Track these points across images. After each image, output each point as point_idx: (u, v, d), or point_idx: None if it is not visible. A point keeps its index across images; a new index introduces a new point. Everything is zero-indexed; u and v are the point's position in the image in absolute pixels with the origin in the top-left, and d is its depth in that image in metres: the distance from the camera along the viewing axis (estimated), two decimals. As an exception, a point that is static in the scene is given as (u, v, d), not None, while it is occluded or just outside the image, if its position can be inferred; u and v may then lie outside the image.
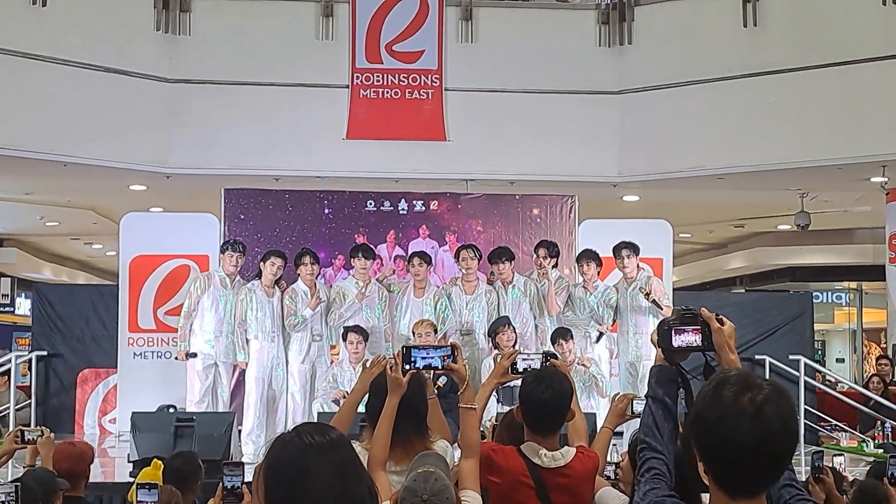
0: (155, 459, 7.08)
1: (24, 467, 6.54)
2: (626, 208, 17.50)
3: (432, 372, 5.25)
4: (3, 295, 24.28)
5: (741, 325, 15.13)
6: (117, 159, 14.81)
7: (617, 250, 12.51)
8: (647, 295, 12.16)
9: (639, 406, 5.46)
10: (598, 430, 5.67)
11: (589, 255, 12.65)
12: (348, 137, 15.14)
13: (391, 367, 4.94)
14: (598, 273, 12.73)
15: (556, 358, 5.45)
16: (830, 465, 6.94)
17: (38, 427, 6.97)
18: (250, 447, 11.89)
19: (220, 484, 5.11)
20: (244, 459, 10.76)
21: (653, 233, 14.32)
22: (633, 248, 12.48)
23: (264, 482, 2.83)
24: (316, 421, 3.83)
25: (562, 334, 11.90)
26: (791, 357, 15.10)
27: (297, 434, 2.85)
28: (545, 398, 4.94)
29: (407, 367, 4.92)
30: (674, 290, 14.94)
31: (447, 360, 4.93)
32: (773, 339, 15.60)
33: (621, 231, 13.46)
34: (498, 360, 5.49)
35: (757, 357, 15.34)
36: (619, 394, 5.90)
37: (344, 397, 11.50)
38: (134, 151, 14.86)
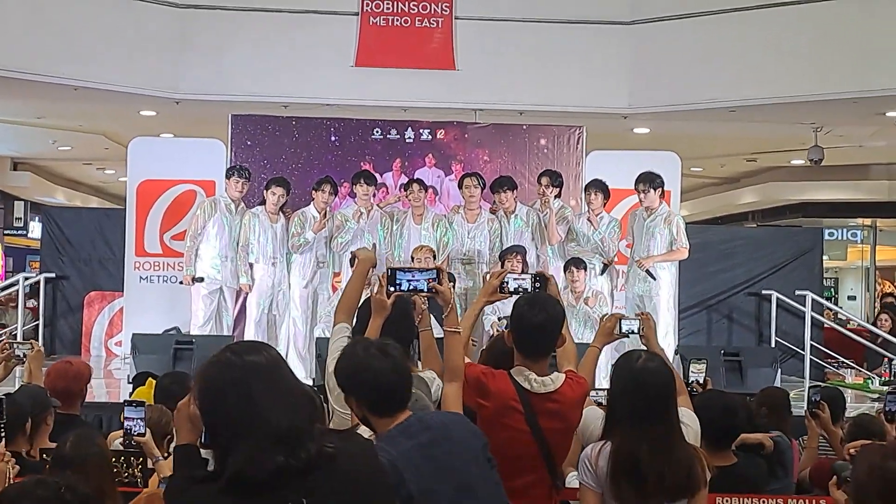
0: (150, 378, 7.08)
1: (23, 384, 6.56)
2: (637, 141, 17.40)
3: (426, 302, 5.22)
4: (16, 218, 24.35)
5: (750, 259, 15.37)
6: (127, 84, 14.79)
7: (637, 182, 12.27)
8: (639, 263, 12.10)
9: (627, 325, 5.46)
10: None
11: (596, 185, 12.52)
12: (357, 65, 15.07)
13: (376, 291, 4.97)
14: (605, 204, 12.61)
15: (547, 278, 5.37)
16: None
17: (28, 341, 6.94)
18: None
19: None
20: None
21: (661, 165, 14.05)
22: (650, 182, 12.21)
23: (203, 406, 2.78)
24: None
25: (574, 263, 11.88)
26: (798, 292, 15.01)
27: (235, 354, 2.80)
28: (538, 321, 4.90)
29: (392, 288, 4.95)
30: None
31: (433, 283, 4.94)
32: (781, 273, 15.55)
33: (629, 163, 13.37)
34: (487, 278, 5.42)
35: (764, 292, 15.31)
36: (607, 314, 5.87)
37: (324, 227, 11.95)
38: (143, 76, 14.82)
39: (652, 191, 12.17)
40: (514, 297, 5.16)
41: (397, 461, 3.77)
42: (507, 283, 5.26)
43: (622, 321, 5.49)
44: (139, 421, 5.38)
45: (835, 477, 4.58)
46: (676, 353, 11.62)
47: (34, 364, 6.60)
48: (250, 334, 12.27)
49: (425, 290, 4.95)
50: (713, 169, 23.25)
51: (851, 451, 5.08)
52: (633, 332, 5.48)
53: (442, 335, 5.06)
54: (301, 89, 14.99)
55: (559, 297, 5.39)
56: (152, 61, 14.79)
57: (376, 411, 4.01)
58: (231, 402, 2.74)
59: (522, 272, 11.37)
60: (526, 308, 4.95)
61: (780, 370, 12.30)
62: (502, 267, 11.41)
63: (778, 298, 15.09)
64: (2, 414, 4.90)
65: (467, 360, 5.04)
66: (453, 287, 5.04)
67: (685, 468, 4.25)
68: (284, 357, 3.01)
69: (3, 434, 4.83)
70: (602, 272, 12.45)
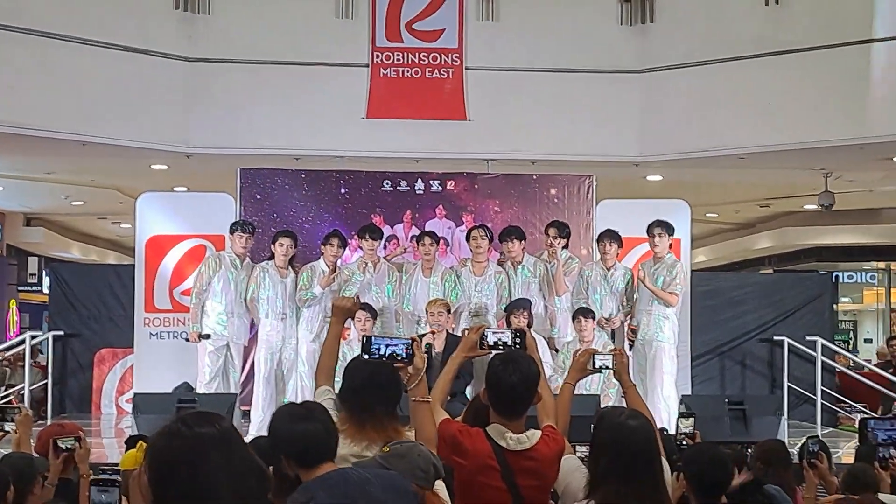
0: (140, 441, 7.02)
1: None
2: (650, 188, 17.37)
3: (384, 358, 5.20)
4: (30, 274, 24.40)
5: (761, 305, 15.30)
6: (136, 138, 14.82)
7: (650, 228, 12.34)
8: (643, 280, 12.10)
9: (600, 360, 5.48)
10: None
11: (610, 235, 12.55)
12: (368, 117, 15.08)
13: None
14: (618, 254, 12.63)
15: (525, 335, 5.40)
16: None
17: (17, 405, 6.84)
18: (256, 429, 11.86)
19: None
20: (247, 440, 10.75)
21: (671, 213, 14.12)
22: (666, 228, 12.31)
23: (152, 478, 2.74)
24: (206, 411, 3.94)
25: (582, 313, 11.85)
26: (809, 338, 14.95)
27: (186, 425, 2.76)
28: (511, 382, 4.90)
29: (366, 356, 5.00)
30: (692, 270, 14.82)
31: (408, 352, 5.00)
32: (792, 319, 15.50)
33: (640, 211, 13.40)
34: (466, 333, 5.43)
35: (776, 338, 15.23)
36: (579, 349, 5.87)
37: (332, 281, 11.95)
38: (153, 131, 14.86)
39: (667, 236, 12.25)
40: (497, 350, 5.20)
41: None
42: (486, 337, 5.32)
43: (595, 356, 5.50)
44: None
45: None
46: (681, 402, 11.58)
47: (22, 429, 6.49)
48: (260, 391, 12.25)
49: (404, 356, 4.97)
50: (728, 215, 23.23)
51: (828, 505, 5.05)
52: (606, 368, 5.50)
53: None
54: (312, 142, 15.01)
55: (536, 351, 5.42)
56: (162, 115, 14.83)
57: (300, 463, 4.20)
58: (178, 477, 2.69)
59: (510, 327, 11.42)
60: (500, 368, 4.94)
61: (785, 418, 12.26)
62: (508, 322, 11.41)
63: (789, 344, 15.03)
64: None
65: (445, 416, 5.05)
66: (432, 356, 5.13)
67: None
68: None
69: None
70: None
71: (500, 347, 5.29)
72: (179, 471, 2.69)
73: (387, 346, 4.99)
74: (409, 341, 5.03)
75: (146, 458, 2.78)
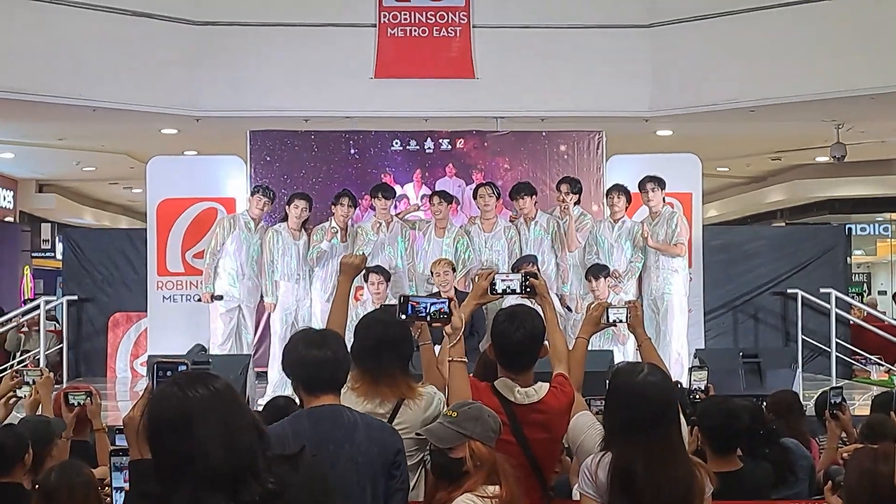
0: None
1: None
2: (660, 143, 17.29)
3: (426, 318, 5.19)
4: (43, 240, 24.46)
5: (775, 258, 15.26)
6: (145, 102, 14.83)
7: (642, 184, 12.34)
8: (646, 239, 12.04)
9: (614, 314, 5.47)
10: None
11: (618, 189, 12.49)
12: (376, 77, 15.04)
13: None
14: (627, 208, 12.55)
15: (536, 278, 5.38)
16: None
17: (38, 368, 6.84)
18: (272, 390, 11.87)
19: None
20: (260, 402, 10.79)
21: (681, 167, 14.17)
22: (658, 182, 12.30)
23: (148, 440, 2.74)
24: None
25: (594, 271, 11.79)
26: (822, 290, 14.89)
27: (178, 387, 2.74)
28: (517, 338, 4.92)
29: (403, 316, 5.04)
30: (704, 225, 14.77)
31: (445, 311, 5.03)
32: (805, 272, 15.42)
33: (649, 166, 13.30)
34: (476, 280, 5.43)
35: (789, 291, 15.17)
36: (593, 303, 5.83)
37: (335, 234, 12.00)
38: (162, 94, 14.85)
39: (660, 190, 12.22)
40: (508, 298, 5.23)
41: (281, 437, 4.06)
42: (496, 283, 5.30)
43: (609, 310, 5.49)
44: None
45: (829, 482, 4.55)
46: (695, 356, 11.56)
47: (43, 391, 6.51)
48: (276, 351, 12.24)
49: (446, 310, 5.01)
50: (739, 168, 23.14)
51: (844, 455, 5.03)
52: (620, 321, 5.47)
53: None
54: (320, 103, 14.97)
55: (547, 294, 5.40)
56: (170, 79, 14.81)
57: (306, 388, 4.37)
58: (171, 440, 2.70)
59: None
60: (506, 325, 4.96)
61: (800, 370, 12.21)
62: None
63: (803, 297, 14.97)
64: None
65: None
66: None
67: (683, 484, 4.16)
68: None
69: None
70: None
71: (510, 293, 5.33)
72: (170, 434, 2.68)
73: (432, 304, 5.04)
74: (447, 300, 5.06)
75: (146, 416, 2.77)
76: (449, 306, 5.01)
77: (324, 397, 4.31)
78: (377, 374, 4.88)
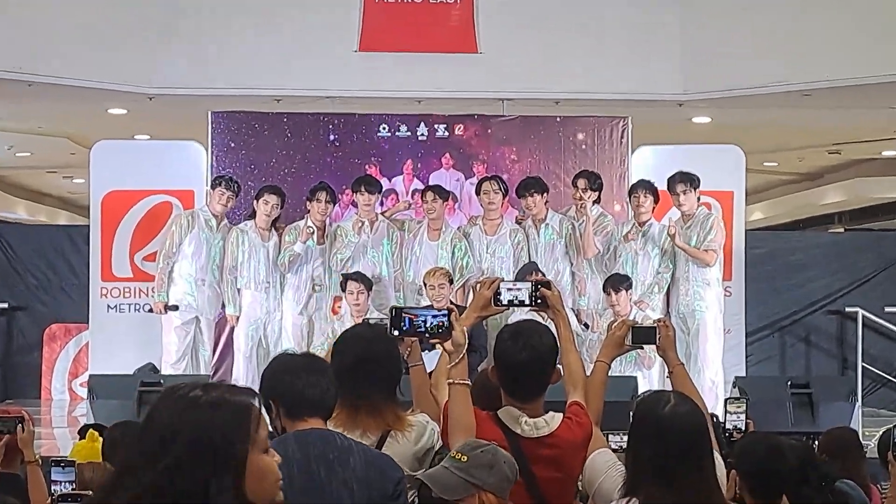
0: (91, 430, 7.03)
1: None
2: (696, 132, 17.30)
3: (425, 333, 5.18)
4: (-32, 237, 24.39)
5: (831, 270, 15.25)
6: (91, 78, 14.78)
7: (671, 184, 12.34)
8: (673, 237, 12.03)
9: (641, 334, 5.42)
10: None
11: (644, 186, 12.53)
12: (361, 49, 15.01)
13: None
14: (654, 209, 12.55)
15: (549, 287, 5.32)
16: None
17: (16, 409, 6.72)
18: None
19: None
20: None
21: (721, 161, 14.18)
22: (691, 181, 12.30)
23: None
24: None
25: (614, 283, 11.80)
26: (888, 309, 14.89)
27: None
28: (523, 359, 4.91)
29: (395, 332, 4.97)
30: (747, 230, 14.75)
31: (444, 326, 4.94)
32: (867, 287, 15.45)
33: (683, 159, 13.33)
34: (477, 288, 5.38)
35: (848, 309, 15.18)
36: (615, 321, 5.82)
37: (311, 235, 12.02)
38: (110, 69, 14.82)
39: (692, 190, 12.20)
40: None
41: None
42: (500, 294, 5.24)
43: (634, 329, 5.43)
44: (67, 485, 5.36)
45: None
46: (734, 385, 11.55)
47: (27, 449, 6.49)
48: (240, 371, 12.30)
49: (447, 328, 4.91)
50: (790, 163, 23.10)
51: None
52: (648, 343, 5.43)
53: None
54: (294, 80, 14.96)
55: (562, 308, 5.35)
56: (120, 51, 14.77)
57: (288, 413, 4.40)
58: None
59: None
60: (509, 343, 4.96)
61: (859, 403, 12.21)
62: None
63: (864, 317, 14.96)
64: None
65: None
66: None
67: None
68: None
69: None
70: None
71: (517, 305, 5.30)
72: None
73: (433, 316, 4.94)
74: (448, 312, 4.97)
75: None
76: (450, 319, 4.92)
77: (312, 421, 4.37)
78: (357, 400, 4.89)
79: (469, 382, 4.91)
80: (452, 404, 4.86)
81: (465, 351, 4.93)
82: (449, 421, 4.88)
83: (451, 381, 4.88)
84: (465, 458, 4.34)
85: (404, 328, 4.95)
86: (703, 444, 4.30)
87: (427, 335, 5.00)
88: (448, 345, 4.93)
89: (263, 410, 2.94)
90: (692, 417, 4.31)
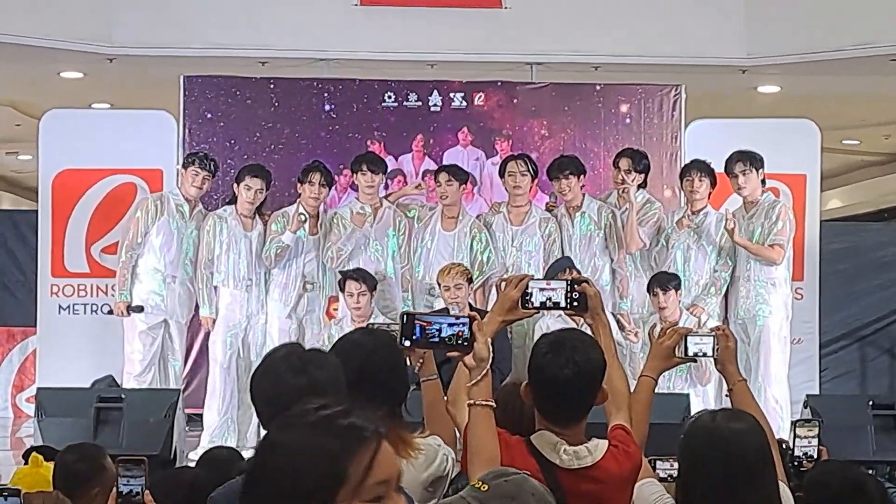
0: (34, 454, 7.05)
1: None
2: (763, 103, 17.33)
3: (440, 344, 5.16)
4: None
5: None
6: (40, 35, 14.79)
7: (729, 165, 12.31)
8: (731, 232, 12.01)
9: (695, 344, 5.42)
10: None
11: (699, 167, 12.51)
12: (363, 3, 15.03)
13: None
14: (710, 195, 12.56)
15: (589, 284, 5.27)
16: None
17: None
18: (209, 439, 11.91)
19: (115, 488, 5.11)
20: (192, 455, 10.82)
21: (791, 138, 14.19)
22: (752, 161, 12.26)
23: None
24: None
25: (660, 281, 11.80)
26: None
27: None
28: (565, 377, 4.89)
29: (407, 342, 4.84)
30: (822, 220, 14.73)
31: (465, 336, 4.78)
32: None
33: (746, 135, 13.36)
34: (502, 287, 5.31)
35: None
36: (655, 325, 5.83)
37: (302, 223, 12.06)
38: (63, 25, 14.86)
39: (754, 172, 12.17)
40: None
41: None
42: (530, 294, 5.17)
43: (689, 338, 5.43)
44: None
45: None
46: (804, 405, 11.54)
47: None
48: (217, 385, 12.32)
49: (467, 334, 4.76)
50: (874, 142, 23.08)
51: None
52: (703, 355, 5.44)
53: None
54: (283, 39, 15.02)
55: (603, 312, 5.32)
56: (77, 4, 14.80)
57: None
58: None
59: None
60: (550, 357, 4.94)
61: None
62: None
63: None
64: None
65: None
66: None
67: None
68: None
69: None
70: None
71: (550, 307, 5.23)
72: None
73: (450, 325, 4.80)
74: (468, 319, 4.81)
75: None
76: (471, 328, 4.78)
77: None
78: None
79: (493, 404, 4.83)
80: (473, 429, 4.79)
81: (488, 367, 4.82)
82: (468, 449, 4.83)
83: (471, 401, 4.81)
84: (486, 486, 4.24)
85: (416, 338, 4.82)
86: (765, 471, 4.31)
87: (443, 347, 4.87)
88: (469, 359, 4.80)
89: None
90: (752, 438, 4.32)
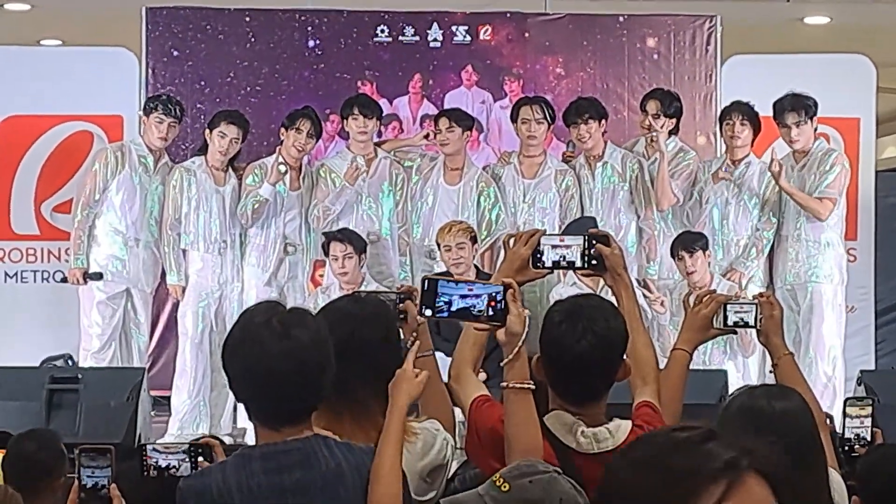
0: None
1: None
2: (809, 37, 17.33)
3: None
4: None
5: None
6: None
7: (779, 112, 12.29)
8: (777, 175, 11.98)
9: (735, 313, 5.43)
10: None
11: (740, 110, 12.50)
12: (352, -77, 15.06)
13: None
14: (753, 141, 12.56)
15: (607, 243, 5.28)
16: None
17: None
18: (178, 426, 11.95)
19: (76, 480, 5.15)
20: (165, 440, 10.85)
21: (843, 77, 14.16)
22: (806, 108, 12.25)
23: None
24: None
25: (685, 242, 11.79)
26: None
27: None
28: (582, 349, 4.90)
29: (428, 311, 4.86)
30: (878, 171, 14.73)
31: (497, 306, 4.78)
32: None
33: (791, 73, 13.38)
34: (511, 244, 5.29)
35: None
36: (690, 292, 5.85)
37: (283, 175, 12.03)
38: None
39: (808, 122, 12.16)
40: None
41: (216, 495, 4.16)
42: (542, 252, 5.21)
43: (728, 306, 5.45)
44: None
45: None
46: (858, 382, 11.57)
47: None
48: (186, 362, 12.34)
49: (485, 313, 4.79)
50: (938, 81, 23.13)
51: None
52: (744, 325, 5.47)
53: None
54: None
55: (625, 272, 5.35)
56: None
57: (259, 418, 4.40)
58: None
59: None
60: (564, 327, 4.95)
61: None
62: None
63: None
64: None
65: (479, 390, 5.03)
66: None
67: None
68: None
69: None
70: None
71: (565, 267, 5.28)
72: None
73: (480, 293, 4.79)
74: (504, 287, 4.79)
75: None
76: (504, 295, 4.76)
77: (285, 430, 4.35)
78: (341, 400, 4.89)
79: (532, 385, 4.84)
80: (510, 417, 4.82)
81: (522, 343, 4.81)
82: (505, 440, 4.83)
83: (505, 384, 4.84)
84: (508, 486, 4.24)
85: (439, 309, 4.80)
86: (813, 454, 4.34)
87: (471, 318, 4.87)
88: (501, 333, 4.80)
89: None
90: (799, 418, 4.35)
